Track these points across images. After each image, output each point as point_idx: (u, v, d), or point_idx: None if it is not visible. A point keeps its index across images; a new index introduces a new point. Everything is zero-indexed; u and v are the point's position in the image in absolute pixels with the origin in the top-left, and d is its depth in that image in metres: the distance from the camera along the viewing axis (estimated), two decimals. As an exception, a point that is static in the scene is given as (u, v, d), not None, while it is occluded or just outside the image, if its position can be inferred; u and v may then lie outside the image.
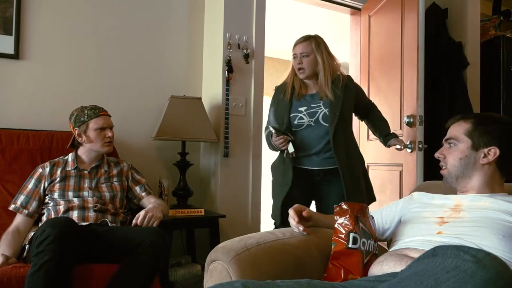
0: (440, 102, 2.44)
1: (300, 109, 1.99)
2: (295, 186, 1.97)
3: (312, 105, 1.98)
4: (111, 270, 1.49)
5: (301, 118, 1.98)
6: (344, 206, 1.16)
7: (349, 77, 2.09)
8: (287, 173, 2.00)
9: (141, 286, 1.48)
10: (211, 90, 2.55)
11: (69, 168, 1.81)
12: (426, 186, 1.47)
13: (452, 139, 1.21)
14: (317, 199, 2.06)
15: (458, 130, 1.21)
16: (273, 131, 1.90)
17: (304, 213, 1.29)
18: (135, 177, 1.94)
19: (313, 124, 1.97)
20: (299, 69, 2.00)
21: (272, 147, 2.01)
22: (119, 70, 2.43)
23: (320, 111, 1.97)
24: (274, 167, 2.13)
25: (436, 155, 1.24)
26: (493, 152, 1.15)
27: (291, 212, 1.28)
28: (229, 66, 2.41)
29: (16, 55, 2.16)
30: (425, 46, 2.50)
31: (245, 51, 2.47)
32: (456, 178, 1.20)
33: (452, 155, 1.20)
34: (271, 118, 2.11)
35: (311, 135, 1.97)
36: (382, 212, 1.36)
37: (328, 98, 1.95)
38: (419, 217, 1.20)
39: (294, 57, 2.02)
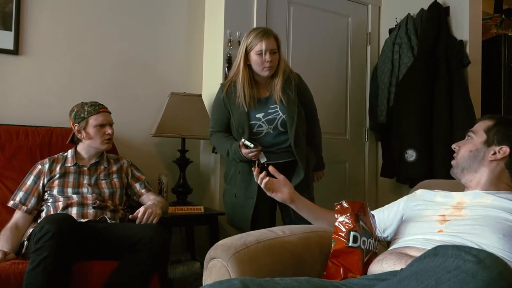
0: (440, 101, 2.43)
1: (258, 116, 1.88)
2: (260, 195, 1.77)
3: (269, 111, 1.89)
4: (110, 267, 1.49)
5: (260, 126, 1.88)
6: (345, 204, 1.15)
7: (299, 76, 1.97)
8: (250, 182, 1.87)
9: (140, 283, 1.49)
10: (211, 87, 2.54)
11: (69, 165, 1.80)
12: (429, 184, 1.47)
13: (471, 132, 1.24)
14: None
15: (480, 125, 1.23)
16: (250, 145, 1.74)
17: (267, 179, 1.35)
18: (135, 174, 1.94)
19: (271, 132, 1.89)
20: (269, 66, 1.83)
21: (237, 156, 1.82)
22: (119, 66, 2.42)
23: (278, 117, 1.88)
24: (229, 174, 1.99)
25: (453, 146, 1.27)
26: (504, 150, 1.16)
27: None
28: (229, 63, 2.39)
29: (15, 51, 2.15)
30: (425, 44, 2.49)
31: (245, 48, 2.45)
32: (462, 170, 1.22)
33: (465, 147, 1.23)
34: (216, 122, 1.96)
35: (271, 142, 1.89)
36: (384, 211, 1.36)
37: (285, 99, 1.85)
38: (421, 215, 1.20)
39: (261, 53, 1.81)
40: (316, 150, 2.07)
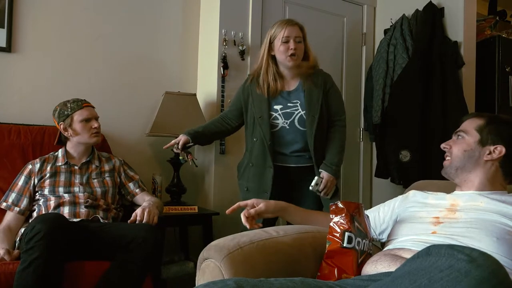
0: (435, 102, 2.44)
1: (275, 107, 1.81)
2: (274, 192, 1.75)
3: (288, 104, 1.80)
4: (103, 267, 1.48)
5: (275, 118, 1.80)
6: (340, 205, 1.15)
7: (329, 76, 1.91)
8: (263, 176, 1.80)
9: (133, 283, 1.48)
10: (206, 87, 2.53)
11: (59, 164, 1.78)
12: (423, 185, 1.46)
13: (461, 132, 1.21)
14: (293, 197, 1.82)
15: (470, 124, 1.20)
16: (179, 151, 1.80)
17: (252, 211, 1.23)
18: (128, 173, 1.92)
19: (287, 127, 1.79)
20: (293, 54, 1.76)
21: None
22: (113, 65, 2.40)
23: (296, 112, 1.79)
24: (242, 167, 1.92)
25: (443, 145, 1.24)
26: (499, 150, 1.15)
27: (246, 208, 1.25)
28: (224, 62, 2.39)
29: (8, 48, 2.12)
30: (420, 45, 2.50)
31: (240, 47, 2.45)
32: (455, 169, 1.19)
33: (458, 146, 1.19)
34: (229, 107, 2.00)
35: (286, 139, 1.80)
36: (379, 212, 1.35)
37: (307, 96, 1.78)
38: (415, 217, 1.20)
39: (285, 41, 1.75)
40: (331, 155, 1.83)
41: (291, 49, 1.75)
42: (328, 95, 1.87)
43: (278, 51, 1.79)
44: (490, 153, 1.15)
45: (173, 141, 1.82)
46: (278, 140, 1.81)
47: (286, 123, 1.80)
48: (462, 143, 1.19)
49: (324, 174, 1.80)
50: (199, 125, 2.25)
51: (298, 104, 1.81)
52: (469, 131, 1.19)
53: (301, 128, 1.80)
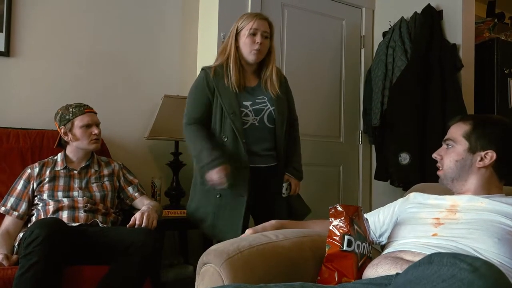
0: (434, 104, 2.44)
1: (245, 103, 1.71)
2: (252, 195, 1.67)
3: (257, 100, 1.73)
4: (102, 272, 1.48)
5: (246, 114, 1.71)
6: (340, 208, 1.15)
7: (285, 78, 1.89)
8: (238, 178, 1.65)
9: (132, 287, 1.47)
10: (205, 90, 2.53)
11: (59, 168, 1.78)
12: (423, 188, 1.46)
13: (450, 140, 1.20)
14: (264, 199, 1.78)
15: (456, 131, 1.19)
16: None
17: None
18: (127, 177, 1.92)
19: (257, 124, 1.72)
20: (258, 49, 1.68)
21: (204, 163, 1.64)
22: (112, 68, 2.40)
23: (266, 109, 1.73)
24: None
25: (434, 155, 1.23)
26: (490, 156, 1.14)
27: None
28: (223, 65, 2.39)
29: (7, 53, 2.12)
30: (419, 48, 2.50)
31: (239, 50, 2.45)
32: (451, 180, 1.19)
33: (449, 156, 1.19)
34: (195, 108, 1.73)
35: (255, 137, 1.73)
36: (379, 215, 1.35)
37: (274, 94, 1.73)
38: (415, 217, 1.19)
39: (253, 33, 1.68)
40: (297, 157, 1.88)
41: (257, 43, 1.68)
42: (288, 95, 1.87)
43: (243, 43, 1.71)
44: (481, 159, 1.14)
45: (221, 179, 1.63)
46: (249, 139, 1.71)
47: (256, 119, 1.72)
48: (452, 153, 1.18)
49: (292, 180, 1.82)
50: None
51: (266, 100, 1.75)
52: (457, 139, 1.18)
53: (269, 125, 1.75)
